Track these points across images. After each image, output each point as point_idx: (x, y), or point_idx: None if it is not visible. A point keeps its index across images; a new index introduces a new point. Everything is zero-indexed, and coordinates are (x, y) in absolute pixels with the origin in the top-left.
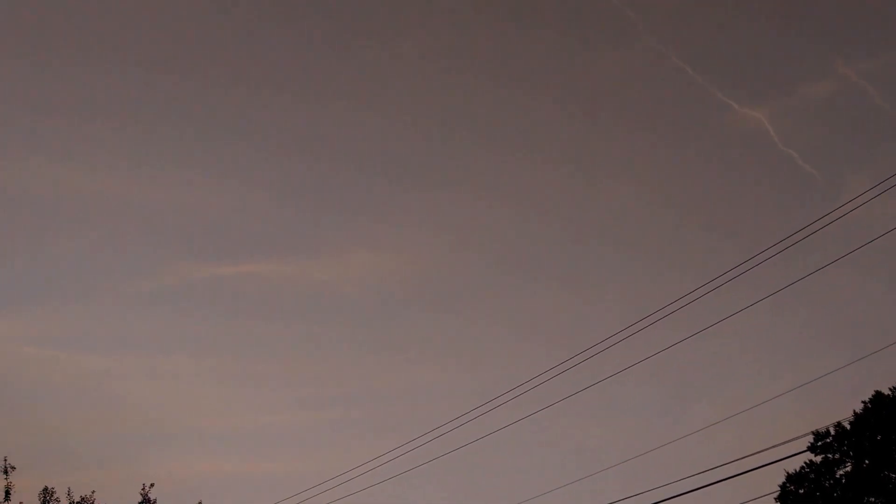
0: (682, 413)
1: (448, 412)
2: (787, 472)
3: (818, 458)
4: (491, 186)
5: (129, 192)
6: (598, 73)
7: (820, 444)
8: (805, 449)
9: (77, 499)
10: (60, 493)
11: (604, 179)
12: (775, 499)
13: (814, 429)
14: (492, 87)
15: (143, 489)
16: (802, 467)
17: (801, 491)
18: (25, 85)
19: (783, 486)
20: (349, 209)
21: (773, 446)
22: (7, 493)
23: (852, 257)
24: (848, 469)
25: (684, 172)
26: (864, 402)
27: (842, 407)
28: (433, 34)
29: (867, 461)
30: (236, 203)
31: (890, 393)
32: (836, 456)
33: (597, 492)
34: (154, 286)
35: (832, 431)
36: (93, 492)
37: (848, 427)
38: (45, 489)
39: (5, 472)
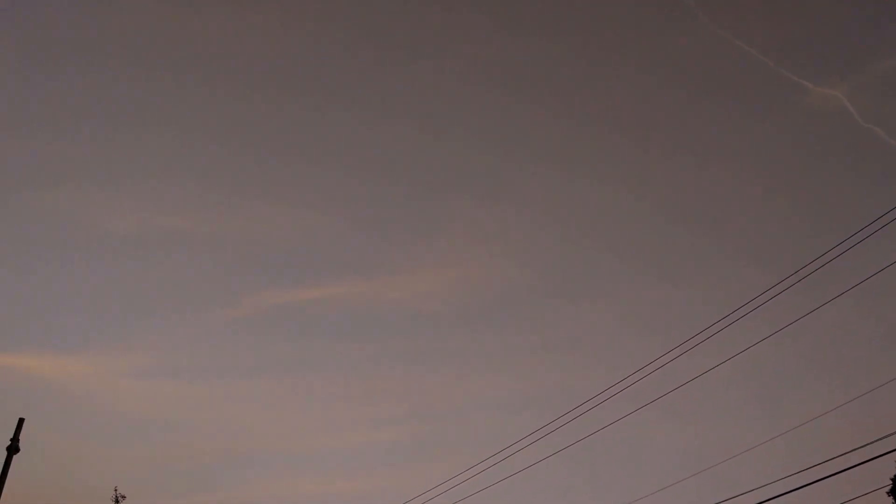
0: (777, 409)
1: (529, 424)
2: None
3: None
4: (554, 198)
5: (208, 226)
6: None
7: None
8: None
9: None
10: None
11: (692, 168)
12: (888, 492)
13: None
14: (548, 104)
15: None
16: None
17: None
18: (105, 129)
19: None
20: (417, 228)
21: (883, 437)
22: None
23: None
24: None
25: (765, 157)
26: None
27: None
28: (485, 51)
29: None
30: (307, 228)
31: None
32: None
33: (697, 492)
34: (237, 315)
35: None
36: None
37: None
38: None
39: (116, 501)
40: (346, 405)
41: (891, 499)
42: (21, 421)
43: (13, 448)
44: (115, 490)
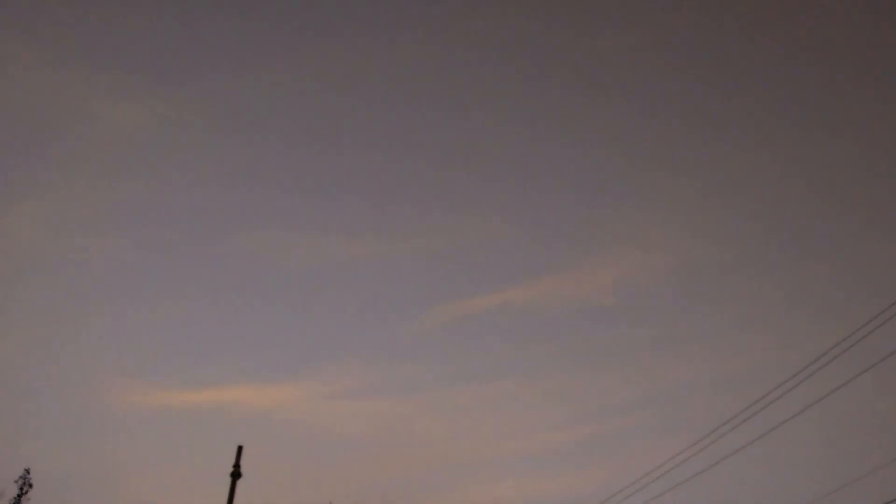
0: None
1: (732, 407)
2: None
3: None
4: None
5: (386, 247)
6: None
7: None
8: None
9: None
10: None
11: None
12: None
13: None
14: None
15: None
16: None
17: None
18: (291, 172)
19: None
20: (585, 227)
21: None
22: None
23: None
24: None
25: None
26: None
27: None
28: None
29: None
30: (475, 237)
31: None
32: None
33: None
34: (424, 329)
35: None
36: None
37: None
38: None
39: None
40: (546, 404)
41: None
42: (240, 448)
43: (236, 474)
44: None
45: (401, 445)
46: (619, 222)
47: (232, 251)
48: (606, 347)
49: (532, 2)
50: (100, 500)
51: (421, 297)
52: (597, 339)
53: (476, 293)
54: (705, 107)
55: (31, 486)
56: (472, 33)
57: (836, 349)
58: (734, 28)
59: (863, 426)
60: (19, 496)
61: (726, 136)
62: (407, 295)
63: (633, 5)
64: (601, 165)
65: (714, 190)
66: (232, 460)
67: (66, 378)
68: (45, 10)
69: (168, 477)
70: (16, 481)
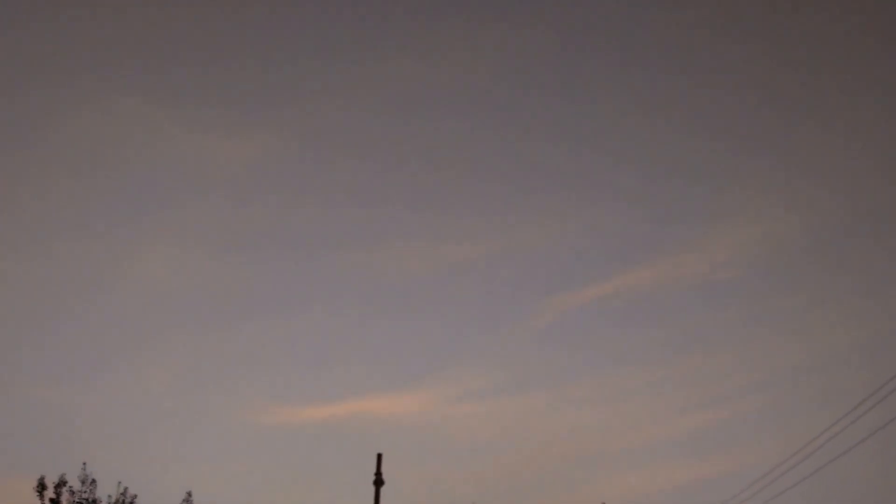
0: None
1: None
2: None
3: None
4: None
5: (492, 252)
6: None
7: None
8: None
9: None
10: None
11: None
12: None
13: None
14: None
15: None
16: None
17: None
18: (399, 186)
19: None
20: (694, 204)
21: None
22: None
23: None
24: None
25: None
26: None
27: None
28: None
29: None
30: (582, 226)
31: None
32: None
33: None
34: (540, 324)
35: None
36: None
37: None
38: None
39: None
40: (665, 391)
41: None
42: (380, 456)
43: (378, 481)
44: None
45: (530, 443)
46: (727, 199)
47: (350, 267)
48: (730, 326)
49: None
50: None
51: (534, 292)
52: (718, 319)
53: (589, 283)
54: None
55: None
56: (576, 22)
57: None
58: None
59: None
60: None
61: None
62: (520, 292)
63: None
64: (706, 146)
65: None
66: (370, 468)
67: (217, 403)
68: (156, 66)
69: (316, 488)
70: None
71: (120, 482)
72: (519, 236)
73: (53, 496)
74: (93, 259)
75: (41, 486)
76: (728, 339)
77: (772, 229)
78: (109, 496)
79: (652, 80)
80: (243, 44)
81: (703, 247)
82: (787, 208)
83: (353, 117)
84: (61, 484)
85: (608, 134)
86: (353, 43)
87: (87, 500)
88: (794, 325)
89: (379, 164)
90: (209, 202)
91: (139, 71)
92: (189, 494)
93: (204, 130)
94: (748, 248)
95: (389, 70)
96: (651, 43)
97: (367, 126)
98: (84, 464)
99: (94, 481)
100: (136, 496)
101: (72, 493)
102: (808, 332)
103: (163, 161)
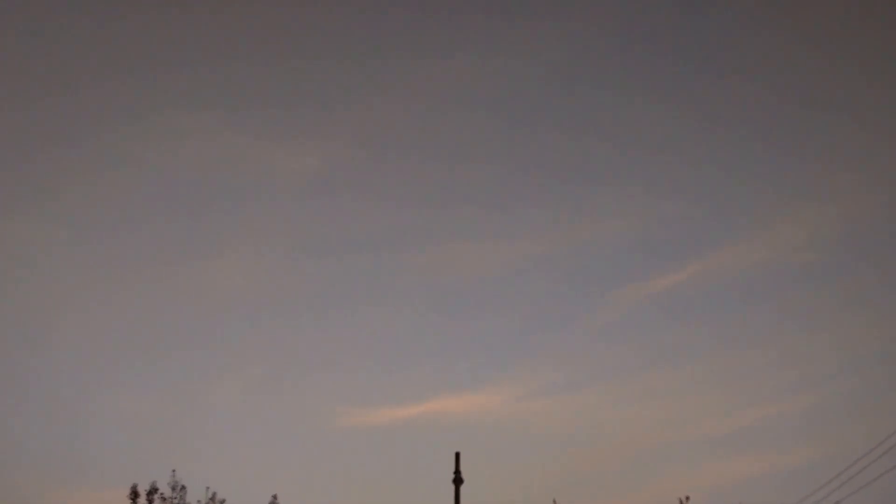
0: None
1: None
2: None
3: None
4: None
5: (556, 247)
6: None
7: None
8: None
9: None
10: None
11: None
12: None
13: None
14: None
15: (680, 502)
16: None
17: None
18: (462, 188)
19: None
20: (763, 188)
21: None
22: None
23: None
24: None
25: None
26: None
27: None
28: None
29: None
30: (647, 218)
31: None
32: None
33: None
34: (604, 318)
35: None
36: None
37: None
38: None
39: None
40: (738, 380)
41: None
42: (458, 455)
43: (458, 480)
44: (555, 502)
45: (606, 436)
46: (799, 179)
47: (418, 268)
48: (808, 309)
49: None
50: None
51: (600, 285)
52: (795, 302)
53: (657, 273)
54: None
55: None
56: (632, 15)
57: None
58: None
59: None
60: None
61: None
62: (587, 285)
63: None
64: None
65: None
66: (448, 468)
67: (296, 407)
68: (217, 82)
69: (396, 489)
70: None
71: (208, 487)
72: (586, 231)
73: (146, 503)
74: (170, 272)
75: (134, 494)
76: (810, 322)
77: (849, 209)
78: (199, 501)
79: (715, 61)
80: (298, 49)
81: (774, 231)
82: (867, 186)
83: (412, 118)
84: (153, 491)
85: (676, 122)
86: (409, 42)
87: None
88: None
89: (443, 164)
90: (279, 208)
91: (202, 86)
92: (274, 497)
93: (268, 138)
94: (825, 230)
95: (446, 68)
96: (712, 29)
97: (426, 126)
98: (173, 471)
99: (183, 487)
100: (223, 500)
101: (163, 499)
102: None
103: (232, 170)
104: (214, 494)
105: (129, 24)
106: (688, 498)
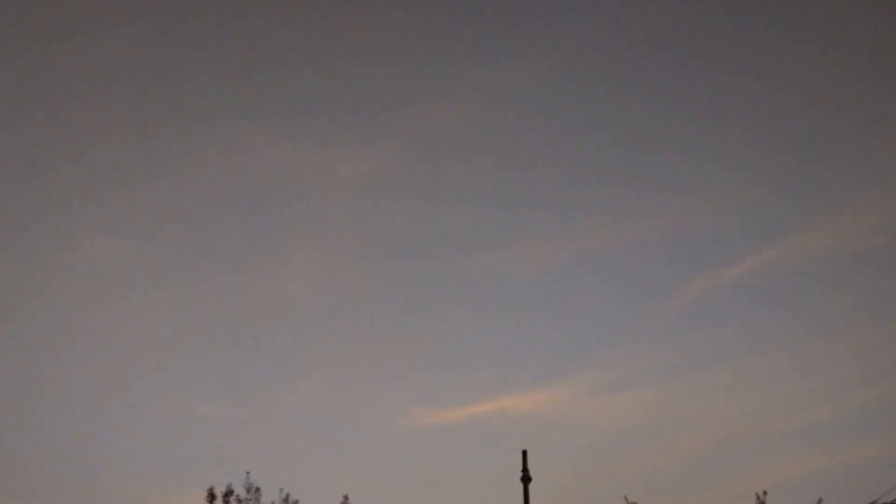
0: None
1: None
2: None
3: None
4: None
5: (619, 240)
6: None
7: None
8: None
9: None
10: None
11: None
12: None
13: None
14: None
15: (757, 498)
16: None
17: None
18: (517, 189)
19: None
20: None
21: None
22: None
23: None
24: None
25: None
26: None
27: None
28: None
29: None
30: (713, 207)
31: None
32: None
33: None
34: (671, 311)
35: None
36: None
37: None
38: None
39: None
40: (815, 371)
41: None
42: (525, 453)
43: (526, 478)
44: (626, 499)
45: (672, 432)
46: (867, 163)
47: (481, 267)
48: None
49: None
50: None
51: (666, 277)
52: (873, 288)
53: (724, 263)
54: None
55: None
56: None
57: None
58: None
59: None
60: None
61: None
62: (651, 278)
63: None
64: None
65: None
66: (515, 466)
67: (365, 408)
68: (273, 91)
69: (464, 488)
70: None
71: (281, 489)
72: (650, 221)
73: None
74: (237, 279)
75: (210, 497)
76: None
77: None
78: (272, 502)
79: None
80: (352, 56)
81: (848, 215)
82: None
83: (471, 118)
84: (228, 493)
85: (734, 105)
86: (466, 44)
87: None
88: None
89: (500, 165)
90: (339, 214)
91: (258, 95)
92: (346, 497)
93: (327, 145)
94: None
95: (504, 69)
96: (775, 10)
97: (485, 126)
98: (248, 473)
99: (258, 489)
100: (297, 501)
101: (238, 501)
102: None
103: (290, 178)
104: (288, 496)
105: (188, 34)
106: (765, 493)
